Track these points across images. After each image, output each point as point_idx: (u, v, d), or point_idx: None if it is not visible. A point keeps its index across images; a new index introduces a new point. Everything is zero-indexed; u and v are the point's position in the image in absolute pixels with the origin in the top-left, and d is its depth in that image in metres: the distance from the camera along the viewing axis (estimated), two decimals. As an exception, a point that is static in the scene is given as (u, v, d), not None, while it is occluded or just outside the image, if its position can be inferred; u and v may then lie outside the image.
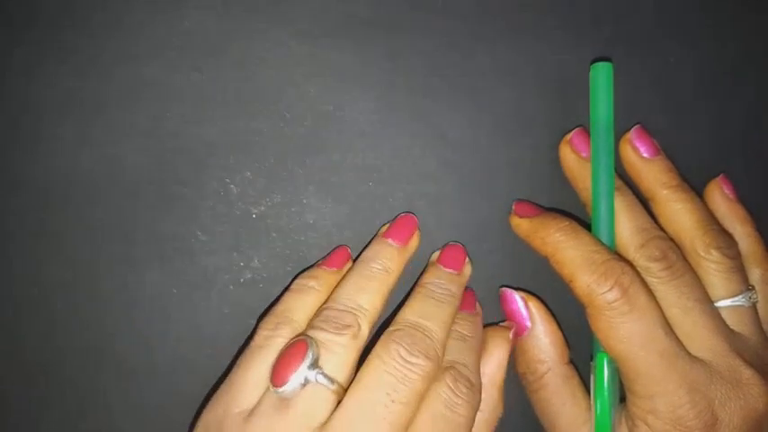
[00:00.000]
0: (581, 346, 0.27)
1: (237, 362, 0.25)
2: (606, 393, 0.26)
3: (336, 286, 0.26)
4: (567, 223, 0.26)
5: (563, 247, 0.25)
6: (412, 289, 0.27)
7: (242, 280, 0.28)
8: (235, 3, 0.28)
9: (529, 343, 0.27)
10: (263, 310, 0.28)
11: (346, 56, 0.29)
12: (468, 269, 0.28)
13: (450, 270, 0.27)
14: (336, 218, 0.28)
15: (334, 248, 0.28)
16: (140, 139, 0.28)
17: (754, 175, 0.31)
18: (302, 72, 0.28)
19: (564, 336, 0.27)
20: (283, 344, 0.24)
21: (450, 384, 0.23)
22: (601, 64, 0.27)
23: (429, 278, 0.27)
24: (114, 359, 0.27)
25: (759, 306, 0.27)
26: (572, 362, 0.27)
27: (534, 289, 0.28)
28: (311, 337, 0.23)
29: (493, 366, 0.26)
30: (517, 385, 0.28)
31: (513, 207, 0.28)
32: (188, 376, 0.28)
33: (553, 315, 0.27)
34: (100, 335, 0.27)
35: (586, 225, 0.27)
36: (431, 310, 0.25)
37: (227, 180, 0.28)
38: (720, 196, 0.29)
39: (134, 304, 0.27)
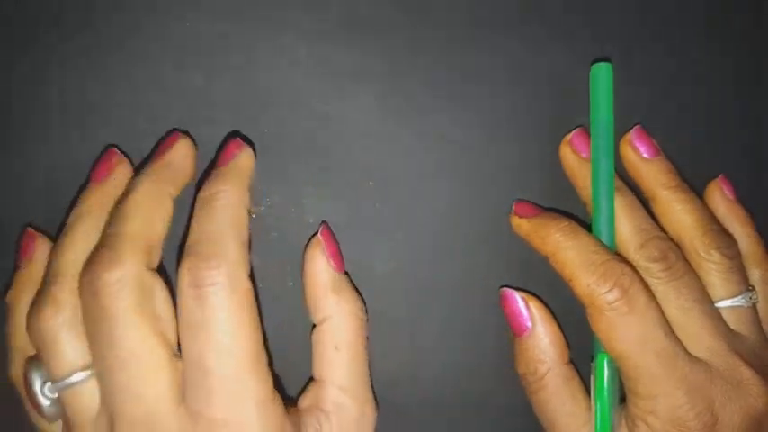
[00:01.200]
0: (581, 346, 0.27)
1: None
2: (606, 394, 0.25)
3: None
4: (567, 223, 0.26)
5: (563, 247, 0.25)
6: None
7: (242, 280, 0.28)
8: (235, 4, 0.28)
9: (529, 343, 0.27)
10: (263, 311, 0.27)
11: (346, 56, 0.28)
12: (245, 158, 0.26)
13: (220, 168, 0.25)
14: (336, 218, 0.28)
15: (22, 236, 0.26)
16: (141, 140, 0.28)
17: (754, 176, 0.31)
18: (302, 72, 0.28)
19: (564, 336, 0.27)
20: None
21: (189, 281, 0.22)
22: (601, 64, 0.27)
23: (198, 195, 0.25)
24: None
25: (759, 306, 0.27)
26: (572, 362, 0.27)
27: (534, 289, 0.28)
28: (29, 360, 0.23)
29: (318, 273, 0.25)
30: (517, 385, 0.28)
31: (513, 207, 0.28)
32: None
33: (554, 315, 0.27)
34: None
35: (586, 225, 0.27)
36: (205, 225, 0.23)
37: (228, 180, 0.28)
38: (720, 197, 0.28)
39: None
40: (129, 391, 0.21)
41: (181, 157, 0.25)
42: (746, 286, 0.26)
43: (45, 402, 0.22)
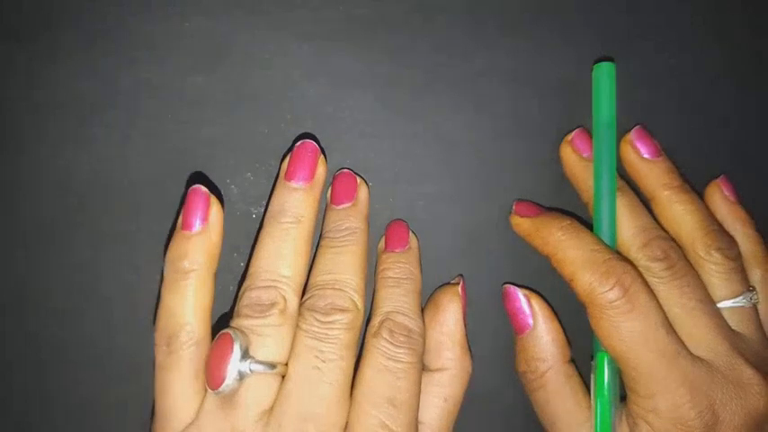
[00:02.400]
0: (582, 345, 0.27)
1: (155, 388, 0.24)
2: (606, 393, 0.25)
3: (251, 260, 0.25)
4: (569, 222, 0.26)
5: (564, 246, 0.25)
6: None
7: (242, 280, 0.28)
8: (235, 4, 0.28)
9: (530, 341, 0.26)
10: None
11: (346, 56, 0.28)
12: (363, 193, 0.27)
13: (342, 205, 0.26)
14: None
15: (188, 195, 0.24)
16: (141, 141, 0.28)
17: (755, 176, 0.31)
18: (302, 73, 0.28)
19: (565, 335, 0.27)
20: (187, 354, 0.23)
21: (387, 337, 0.24)
22: (603, 64, 0.27)
23: (325, 224, 0.26)
24: (115, 359, 0.27)
25: (760, 307, 0.27)
26: (573, 361, 0.27)
27: (534, 289, 0.28)
28: (235, 329, 0.23)
29: (450, 324, 0.26)
30: (517, 384, 0.27)
31: (514, 207, 0.28)
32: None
33: (555, 314, 0.27)
34: (100, 335, 0.27)
35: (587, 225, 0.26)
36: (334, 261, 0.25)
37: (228, 180, 0.28)
38: (721, 197, 0.28)
39: (134, 305, 0.27)
40: (306, 410, 0.22)
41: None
42: (747, 286, 0.26)
43: (233, 373, 0.22)
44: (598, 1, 0.30)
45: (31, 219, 0.27)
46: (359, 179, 0.27)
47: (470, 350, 0.26)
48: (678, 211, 0.27)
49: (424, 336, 0.25)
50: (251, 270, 0.25)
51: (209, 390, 0.22)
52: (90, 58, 0.27)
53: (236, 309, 0.24)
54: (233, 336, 0.22)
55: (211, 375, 0.22)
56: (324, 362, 0.23)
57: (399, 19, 0.29)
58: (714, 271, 0.26)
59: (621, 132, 0.28)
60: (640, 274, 0.25)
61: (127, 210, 0.27)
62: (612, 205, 0.26)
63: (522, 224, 0.27)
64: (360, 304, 0.24)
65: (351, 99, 0.28)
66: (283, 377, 0.23)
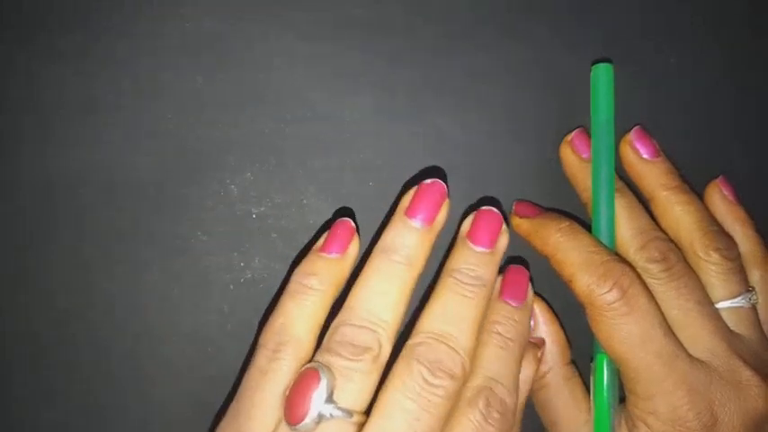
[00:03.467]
0: (581, 346, 0.27)
1: (242, 386, 0.23)
2: (606, 394, 0.25)
3: (351, 291, 0.23)
4: (568, 224, 0.26)
5: (563, 247, 0.25)
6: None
7: (242, 280, 0.28)
8: (235, 4, 0.28)
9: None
10: (263, 310, 0.27)
11: (346, 56, 0.28)
12: (503, 241, 0.24)
13: (481, 248, 0.24)
14: (336, 218, 0.28)
15: (334, 224, 0.24)
16: (141, 141, 0.27)
17: (755, 176, 0.30)
18: (302, 73, 0.28)
19: (566, 337, 0.27)
20: (288, 367, 0.22)
21: (483, 410, 0.22)
22: (602, 65, 0.27)
23: (455, 263, 0.23)
24: (115, 359, 0.27)
25: (759, 307, 0.27)
26: (573, 362, 0.27)
27: (534, 289, 0.28)
28: (324, 366, 0.21)
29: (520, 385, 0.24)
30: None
31: (514, 207, 0.28)
32: (189, 376, 0.27)
33: (556, 316, 0.27)
34: (100, 335, 0.27)
35: (586, 226, 0.26)
36: (456, 311, 0.22)
37: (228, 181, 0.28)
38: (720, 198, 0.28)
39: (135, 305, 0.27)
40: None
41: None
42: (746, 287, 0.26)
43: (313, 414, 0.20)
44: (598, 1, 0.30)
45: (32, 219, 0.27)
46: (504, 224, 0.24)
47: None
48: (677, 212, 0.27)
49: (516, 413, 0.23)
50: (349, 303, 0.23)
51: (284, 422, 0.21)
52: (90, 58, 0.27)
53: (326, 341, 0.22)
54: (321, 374, 0.21)
55: (291, 409, 0.21)
56: (414, 430, 0.20)
57: (399, 19, 0.28)
58: (713, 271, 0.26)
59: (621, 133, 0.28)
60: (639, 276, 0.24)
61: (127, 209, 0.27)
62: (611, 207, 0.26)
63: (522, 224, 0.27)
64: (468, 371, 0.22)
65: (351, 99, 0.28)
66: (360, 426, 0.21)
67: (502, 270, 0.25)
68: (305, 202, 0.28)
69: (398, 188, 0.28)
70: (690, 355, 0.24)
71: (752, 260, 0.27)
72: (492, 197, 0.28)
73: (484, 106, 0.29)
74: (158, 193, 0.27)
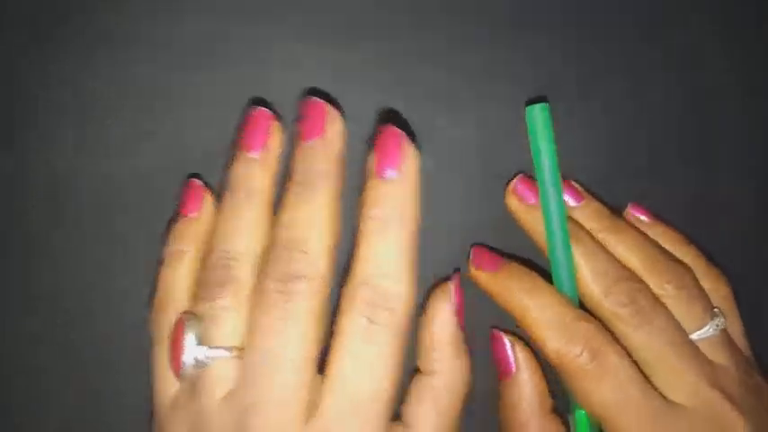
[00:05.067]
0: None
1: (150, 361, 0.24)
2: None
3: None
4: (530, 281, 0.25)
5: (528, 309, 0.24)
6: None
7: (242, 280, 0.27)
8: (235, 4, 0.28)
9: (512, 390, 0.25)
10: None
11: (346, 56, 0.28)
12: (336, 127, 0.22)
13: (311, 141, 0.22)
14: (336, 218, 0.28)
15: (184, 187, 0.25)
16: (141, 140, 0.27)
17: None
18: (302, 73, 0.28)
19: (547, 384, 0.26)
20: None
21: (365, 311, 0.20)
22: (536, 106, 0.25)
23: (292, 164, 0.22)
24: (115, 359, 0.27)
25: (727, 325, 0.25)
26: (556, 411, 0.26)
27: (514, 329, 0.27)
28: (191, 313, 0.22)
29: (437, 323, 0.23)
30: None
31: (471, 254, 0.27)
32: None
33: (540, 363, 0.26)
34: (101, 335, 0.27)
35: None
36: (295, 213, 0.22)
37: (228, 180, 0.28)
38: (640, 225, 0.27)
39: (135, 305, 0.27)
40: (268, 396, 0.20)
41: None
42: (711, 312, 0.25)
43: (189, 360, 0.21)
44: (599, 1, 0.29)
45: (32, 219, 0.27)
46: (330, 109, 0.23)
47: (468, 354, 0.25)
48: (618, 253, 0.25)
49: (413, 303, 0.21)
50: (207, 249, 0.23)
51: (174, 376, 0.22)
52: (90, 58, 0.27)
53: (193, 292, 0.23)
54: (185, 323, 0.21)
55: (172, 362, 0.22)
56: (285, 345, 0.20)
57: (399, 19, 0.28)
58: (672, 305, 0.24)
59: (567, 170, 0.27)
60: (607, 334, 0.23)
61: (127, 209, 0.27)
62: (568, 255, 0.25)
63: (481, 278, 0.26)
64: (324, 269, 0.21)
65: (351, 99, 0.28)
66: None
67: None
68: (305, 202, 0.28)
69: (399, 188, 0.28)
70: (671, 404, 0.23)
71: (696, 273, 0.26)
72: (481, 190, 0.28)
73: (484, 106, 0.28)
74: (158, 194, 0.27)
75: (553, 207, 0.25)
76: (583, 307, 0.25)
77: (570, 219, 0.26)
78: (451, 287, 0.24)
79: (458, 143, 0.28)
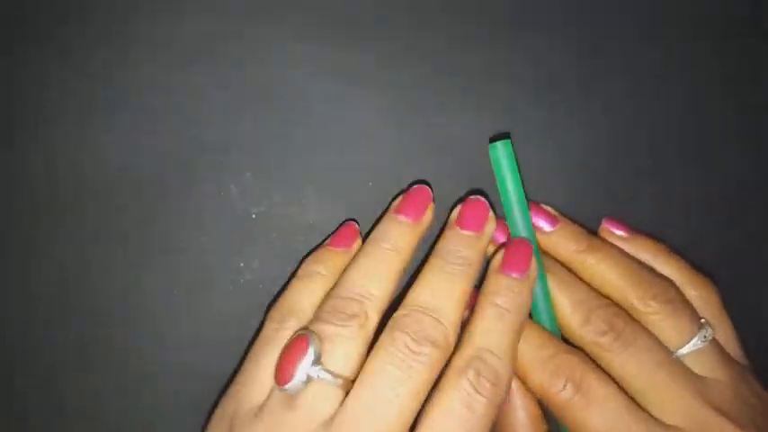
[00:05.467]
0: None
1: (248, 356, 0.24)
2: None
3: (344, 271, 0.24)
4: None
5: None
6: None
7: (242, 281, 0.27)
8: (235, 4, 0.28)
9: (506, 414, 0.25)
10: (263, 311, 0.27)
11: (346, 56, 0.28)
12: (490, 227, 0.25)
13: (468, 232, 0.25)
14: (336, 218, 0.28)
15: (341, 225, 0.27)
16: (141, 140, 0.27)
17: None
18: (302, 72, 0.28)
19: (542, 412, 0.25)
20: (290, 337, 0.23)
21: (472, 379, 0.21)
22: (499, 143, 0.25)
23: (443, 245, 0.24)
24: (114, 360, 0.27)
25: (717, 333, 0.25)
26: None
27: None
28: (313, 332, 0.22)
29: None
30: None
31: None
32: (188, 377, 0.27)
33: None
34: (100, 335, 0.27)
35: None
36: (442, 287, 0.23)
37: (228, 181, 0.27)
38: (618, 241, 0.27)
39: (134, 305, 0.27)
40: None
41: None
42: (698, 324, 0.24)
43: (301, 377, 0.21)
44: (599, 1, 0.29)
45: (32, 219, 0.27)
46: (491, 212, 0.25)
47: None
48: (598, 272, 0.25)
49: (510, 384, 0.23)
50: (340, 281, 0.24)
51: (275, 384, 0.22)
52: (90, 58, 0.27)
53: (317, 312, 0.23)
54: (310, 338, 0.22)
55: (280, 371, 0.22)
56: (397, 396, 0.21)
57: (399, 19, 0.28)
58: (657, 321, 0.24)
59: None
60: (590, 363, 0.23)
61: (127, 209, 0.27)
62: (545, 289, 0.25)
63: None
64: (452, 343, 0.22)
65: (351, 98, 0.28)
66: (347, 392, 0.22)
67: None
68: (305, 201, 0.28)
69: (398, 188, 0.28)
70: (665, 426, 0.22)
71: (682, 283, 0.26)
72: (481, 190, 0.28)
73: (484, 106, 0.28)
74: (158, 193, 0.27)
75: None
76: (564, 339, 0.25)
77: (542, 251, 0.26)
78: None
79: (458, 143, 0.28)
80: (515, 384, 0.25)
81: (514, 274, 0.24)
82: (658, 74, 0.29)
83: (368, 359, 0.22)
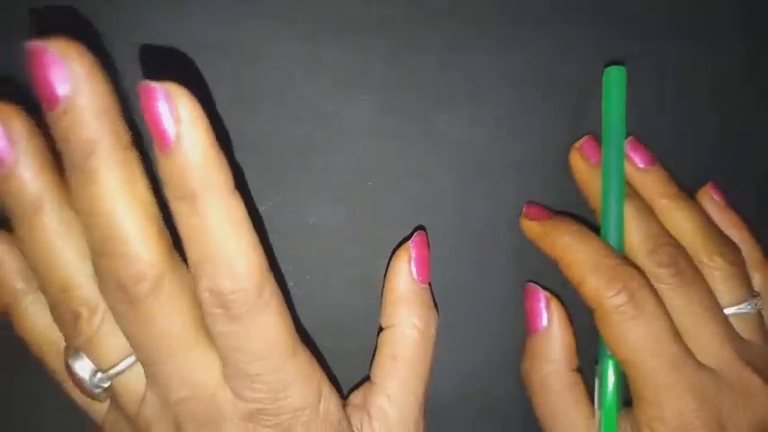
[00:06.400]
0: (588, 352, 0.26)
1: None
2: (611, 398, 0.24)
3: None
4: (577, 227, 0.25)
5: (572, 250, 0.24)
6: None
7: (242, 280, 0.27)
8: (236, 4, 0.28)
9: (540, 341, 0.26)
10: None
11: (346, 56, 0.28)
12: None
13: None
14: (336, 218, 0.27)
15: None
16: (142, 141, 0.27)
17: (759, 179, 0.29)
18: (302, 72, 0.27)
19: (576, 344, 0.26)
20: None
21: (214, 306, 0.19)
22: (613, 68, 0.26)
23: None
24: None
25: (765, 312, 0.26)
26: (579, 370, 0.26)
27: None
28: (69, 350, 0.21)
29: (391, 279, 0.25)
30: (518, 384, 0.26)
31: (524, 209, 0.27)
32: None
33: (571, 322, 0.26)
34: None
35: (596, 230, 0.25)
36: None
37: (228, 180, 0.27)
38: (711, 204, 0.27)
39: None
40: (175, 379, 0.20)
41: None
42: (751, 292, 0.26)
43: (98, 391, 0.21)
44: (599, 1, 0.29)
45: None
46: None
47: (436, 308, 0.25)
48: (678, 219, 0.26)
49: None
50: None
51: None
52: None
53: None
54: (69, 362, 0.21)
55: (82, 399, 0.22)
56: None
57: (399, 19, 0.28)
58: (717, 277, 0.25)
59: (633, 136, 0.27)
60: (648, 280, 0.24)
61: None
62: (620, 212, 0.25)
63: (532, 227, 0.26)
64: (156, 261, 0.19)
65: (351, 99, 0.28)
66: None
67: None
68: (305, 202, 0.27)
69: (398, 188, 0.28)
70: (699, 362, 0.23)
71: (751, 264, 0.27)
72: (481, 190, 0.28)
73: (484, 106, 0.28)
74: (157, 193, 0.27)
75: (614, 167, 0.25)
76: None
77: (629, 183, 0.27)
78: (410, 242, 0.25)
79: (458, 143, 0.28)
80: (555, 314, 0.26)
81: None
82: (659, 73, 0.29)
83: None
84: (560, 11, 0.29)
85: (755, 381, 0.23)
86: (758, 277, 0.27)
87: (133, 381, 0.21)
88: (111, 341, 0.20)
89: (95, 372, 0.21)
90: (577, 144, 0.27)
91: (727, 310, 0.25)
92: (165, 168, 0.19)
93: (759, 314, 0.25)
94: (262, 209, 0.27)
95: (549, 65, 0.28)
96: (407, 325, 0.24)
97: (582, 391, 0.25)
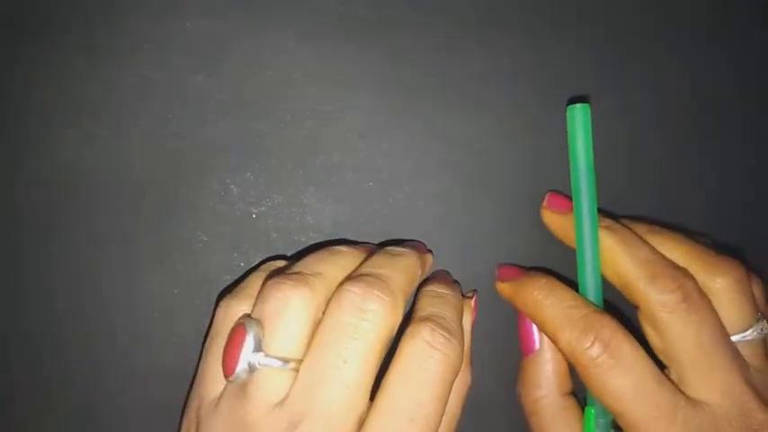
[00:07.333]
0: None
1: (204, 349, 0.23)
2: None
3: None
4: (546, 280, 0.24)
5: (542, 306, 0.24)
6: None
7: (242, 280, 0.27)
8: (235, 4, 0.27)
9: (531, 365, 0.25)
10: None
11: (346, 56, 0.27)
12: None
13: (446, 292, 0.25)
14: (336, 218, 0.27)
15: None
16: (142, 140, 0.27)
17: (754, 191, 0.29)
18: (302, 72, 0.27)
19: (569, 367, 0.25)
20: None
21: (426, 336, 0.21)
22: (578, 106, 0.24)
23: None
24: (115, 359, 0.26)
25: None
26: (573, 394, 0.25)
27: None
28: (251, 319, 0.21)
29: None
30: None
31: (497, 271, 0.27)
32: (189, 376, 0.27)
33: None
34: (101, 335, 0.26)
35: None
36: (386, 261, 0.23)
37: (228, 180, 0.27)
38: (643, 228, 0.26)
39: (135, 304, 0.27)
40: (320, 415, 0.20)
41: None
42: (756, 316, 0.24)
43: (243, 367, 0.20)
44: (599, 1, 0.29)
45: (33, 218, 0.27)
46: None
47: (472, 363, 0.25)
48: (665, 249, 0.24)
49: (462, 349, 0.22)
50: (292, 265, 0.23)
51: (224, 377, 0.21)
52: (90, 58, 0.27)
53: (258, 293, 0.22)
54: (246, 326, 0.21)
55: (225, 364, 0.21)
56: (345, 362, 0.20)
57: (399, 19, 0.28)
58: (723, 300, 0.23)
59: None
60: (621, 326, 0.22)
61: (127, 210, 0.27)
62: (595, 250, 0.24)
63: (505, 289, 0.26)
64: (401, 303, 0.21)
65: (351, 99, 0.27)
66: (297, 369, 0.21)
67: None
68: (305, 201, 0.27)
69: (398, 188, 0.27)
70: (690, 400, 0.22)
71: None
72: (481, 190, 0.28)
73: (484, 106, 0.28)
74: (159, 193, 0.27)
75: (585, 206, 0.24)
76: (607, 306, 0.24)
77: (605, 218, 0.25)
78: (472, 303, 0.26)
79: (458, 143, 0.28)
80: (546, 338, 0.25)
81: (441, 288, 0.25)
82: (659, 75, 0.29)
83: (316, 330, 0.21)
84: (561, 11, 0.28)
85: (759, 415, 0.22)
86: (720, 282, 0.24)
87: (273, 379, 0.21)
88: (304, 324, 0.21)
89: (257, 347, 0.21)
90: (544, 203, 0.27)
91: (734, 338, 0.23)
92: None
93: (765, 339, 0.24)
94: (262, 209, 0.27)
95: (548, 64, 0.28)
96: (459, 381, 0.24)
97: (575, 415, 0.25)
